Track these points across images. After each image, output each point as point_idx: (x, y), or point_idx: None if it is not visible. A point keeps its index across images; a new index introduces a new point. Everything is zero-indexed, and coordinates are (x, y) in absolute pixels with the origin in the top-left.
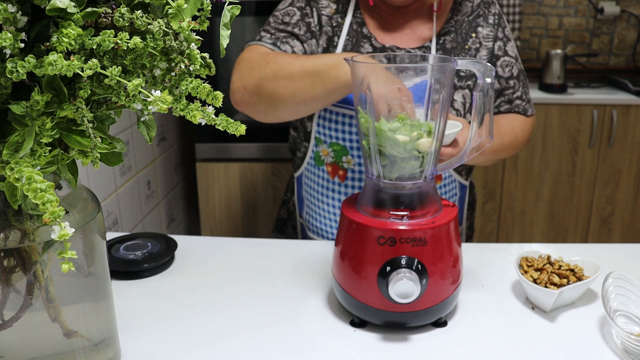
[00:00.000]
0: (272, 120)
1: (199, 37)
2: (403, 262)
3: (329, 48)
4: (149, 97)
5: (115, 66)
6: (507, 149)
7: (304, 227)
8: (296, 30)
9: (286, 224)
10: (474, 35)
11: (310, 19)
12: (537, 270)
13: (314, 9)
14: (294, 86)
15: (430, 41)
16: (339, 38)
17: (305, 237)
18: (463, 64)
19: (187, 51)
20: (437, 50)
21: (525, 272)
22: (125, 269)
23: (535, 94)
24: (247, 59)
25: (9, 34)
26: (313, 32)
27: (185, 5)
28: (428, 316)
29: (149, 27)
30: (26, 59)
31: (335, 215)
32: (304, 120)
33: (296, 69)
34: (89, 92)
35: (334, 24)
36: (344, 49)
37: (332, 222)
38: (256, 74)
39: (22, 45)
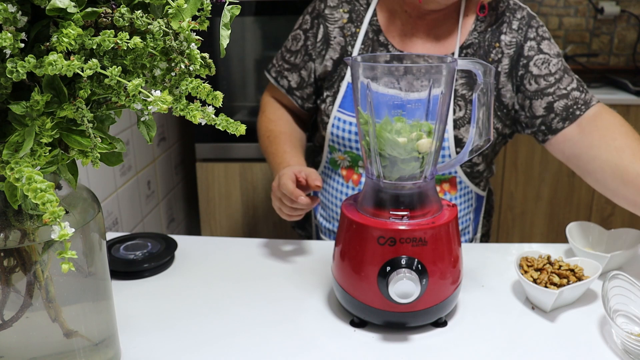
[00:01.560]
0: None
1: (199, 37)
2: (403, 262)
3: (342, 57)
4: (149, 97)
5: (115, 66)
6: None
7: (318, 228)
8: (296, 60)
9: (308, 220)
10: (497, 45)
11: (310, 41)
12: (537, 270)
13: (322, 26)
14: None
15: (453, 54)
16: (353, 47)
17: (318, 238)
18: (463, 64)
19: (187, 51)
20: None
21: (525, 272)
22: (125, 269)
23: None
24: (261, 103)
25: (9, 34)
26: (310, 54)
27: (185, 5)
28: (428, 316)
29: (149, 27)
30: (26, 59)
31: None
32: (320, 128)
33: (262, 134)
34: (89, 92)
35: (347, 34)
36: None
37: None
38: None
39: (22, 45)
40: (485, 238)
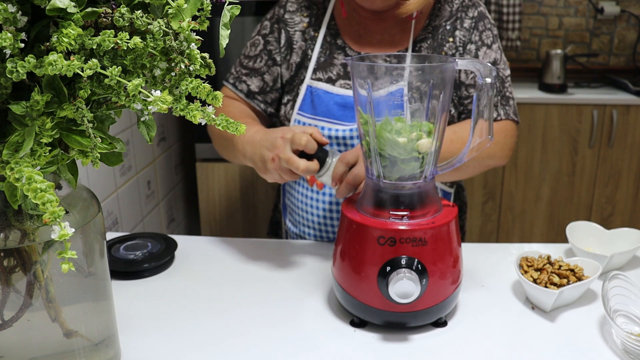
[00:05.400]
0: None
1: (199, 37)
2: (403, 262)
3: (304, 62)
4: (149, 97)
5: (115, 66)
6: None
7: (287, 234)
8: (256, 64)
9: (280, 226)
10: (451, 40)
11: (272, 45)
12: (537, 270)
13: (283, 31)
14: (220, 143)
15: (406, 49)
16: (312, 51)
17: None
18: (463, 64)
19: (187, 51)
20: (412, 57)
21: (525, 272)
22: (125, 269)
23: (535, 94)
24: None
25: (9, 34)
26: (275, 59)
27: (185, 5)
28: (428, 316)
29: (149, 27)
30: (26, 59)
31: (313, 222)
32: None
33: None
34: (89, 92)
35: (307, 38)
36: (317, 61)
37: (310, 229)
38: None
39: (22, 45)
40: (461, 233)
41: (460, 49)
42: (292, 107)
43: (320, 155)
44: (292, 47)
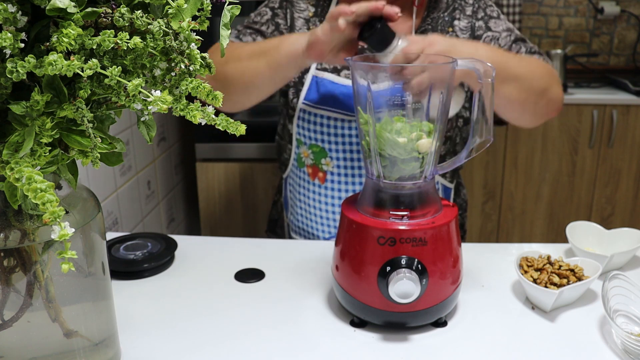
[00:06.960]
0: (232, 108)
1: (199, 37)
2: (403, 262)
3: None
4: (149, 97)
5: (115, 66)
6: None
7: (289, 227)
8: (263, 28)
9: (277, 223)
10: (450, 29)
11: (281, 20)
12: (537, 270)
13: (288, 11)
14: (241, 66)
15: None
16: None
17: (290, 237)
18: (463, 63)
19: (187, 51)
20: None
21: (525, 272)
22: (125, 269)
23: None
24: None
25: (9, 34)
26: (282, 32)
27: (185, 5)
28: (428, 316)
29: (149, 27)
30: (26, 59)
31: (316, 216)
32: (286, 122)
33: (244, 52)
34: (89, 92)
35: (311, 27)
36: None
37: (312, 222)
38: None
39: (22, 45)
40: (462, 232)
41: (468, 33)
42: (298, 96)
43: (384, 31)
44: (294, 31)
